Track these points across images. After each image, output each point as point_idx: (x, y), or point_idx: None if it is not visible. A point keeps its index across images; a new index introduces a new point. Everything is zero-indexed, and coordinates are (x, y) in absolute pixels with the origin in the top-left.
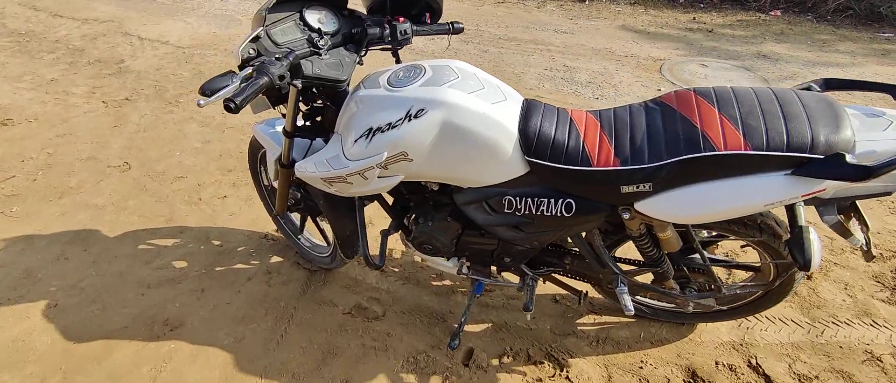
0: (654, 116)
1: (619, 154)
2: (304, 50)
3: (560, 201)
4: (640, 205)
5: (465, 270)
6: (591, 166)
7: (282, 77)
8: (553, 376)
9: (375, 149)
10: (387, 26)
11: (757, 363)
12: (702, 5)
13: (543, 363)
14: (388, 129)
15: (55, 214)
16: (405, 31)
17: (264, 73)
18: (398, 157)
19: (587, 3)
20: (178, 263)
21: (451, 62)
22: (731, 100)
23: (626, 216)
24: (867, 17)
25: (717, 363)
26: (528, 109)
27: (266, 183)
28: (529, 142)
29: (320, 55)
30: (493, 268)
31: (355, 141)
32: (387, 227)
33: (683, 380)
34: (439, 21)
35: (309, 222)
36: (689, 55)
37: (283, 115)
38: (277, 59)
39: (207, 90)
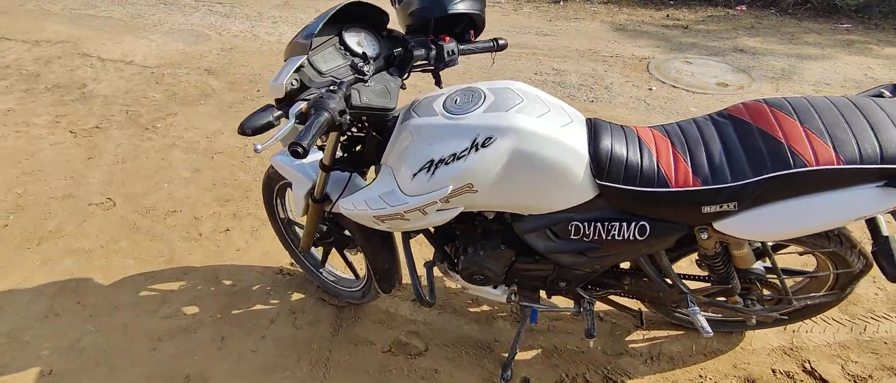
0: (726, 130)
1: (698, 173)
2: (350, 77)
3: (633, 224)
4: (720, 225)
5: (513, 297)
6: (668, 187)
7: (342, 112)
8: None
9: (439, 182)
10: (433, 47)
11: (811, 367)
12: (672, 2)
13: None
14: (452, 161)
15: (36, 263)
16: (452, 51)
17: (324, 109)
18: (463, 190)
19: (562, 3)
20: (188, 309)
21: (510, 84)
22: (810, 112)
23: (703, 235)
24: (824, 9)
25: (773, 370)
26: (596, 130)
27: (283, 216)
28: (602, 165)
29: (365, 82)
30: (542, 293)
31: (414, 175)
32: (430, 259)
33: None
34: (480, 37)
35: (332, 254)
36: (672, 53)
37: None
38: (331, 91)
39: (249, 128)
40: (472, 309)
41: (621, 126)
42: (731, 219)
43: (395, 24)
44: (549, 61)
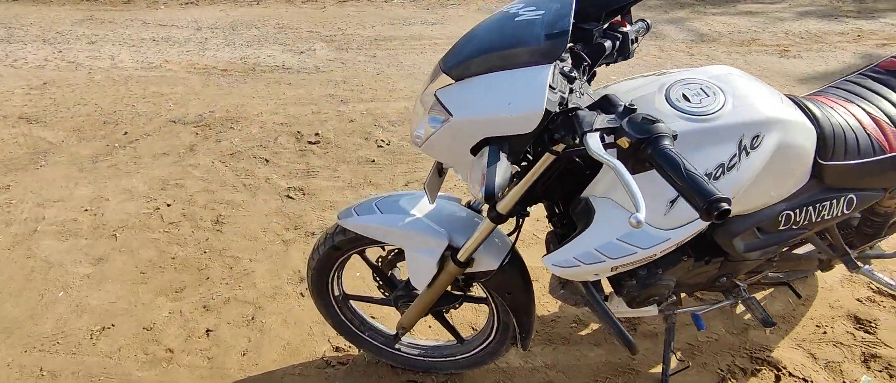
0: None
1: None
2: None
3: (842, 199)
4: None
5: (671, 309)
6: (885, 154)
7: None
8: (780, 379)
9: None
10: (618, 35)
11: (877, 288)
12: None
13: (761, 369)
14: (721, 174)
15: None
16: (636, 37)
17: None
18: None
19: None
20: None
21: (719, 67)
22: None
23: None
24: None
25: (858, 300)
26: (807, 107)
27: (338, 293)
28: (827, 144)
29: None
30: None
31: (673, 202)
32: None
33: (855, 327)
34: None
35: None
36: None
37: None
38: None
39: (498, 189)
40: (581, 334)
41: (810, 98)
42: None
43: None
44: None
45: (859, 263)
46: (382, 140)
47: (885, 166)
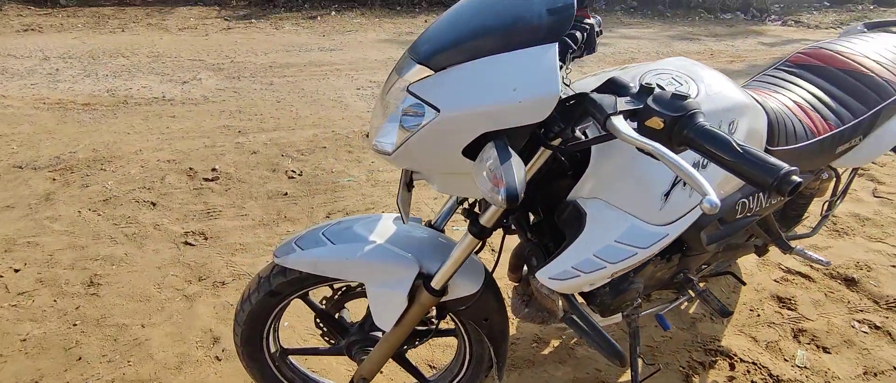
0: (811, 77)
1: (828, 118)
2: None
3: None
4: (845, 159)
5: (633, 314)
6: (815, 137)
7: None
8: (734, 366)
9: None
10: (585, 27)
11: (786, 268)
12: (417, 9)
13: (715, 360)
14: (707, 162)
15: None
16: (599, 30)
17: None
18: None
19: (319, 18)
20: None
21: (677, 59)
22: (866, 48)
23: (824, 176)
24: None
25: (775, 280)
26: (752, 96)
27: (275, 349)
28: (774, 129)
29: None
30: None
31: (667, 194)
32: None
33: (780, 306)
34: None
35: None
36: None
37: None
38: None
39: (520, 187)
40: (544, 353)
41: (743, 86)
42: (854, 151)
43: None
44: (359, 75)
45: (791, 245)
46: (293, 170)
47: (816, 149)
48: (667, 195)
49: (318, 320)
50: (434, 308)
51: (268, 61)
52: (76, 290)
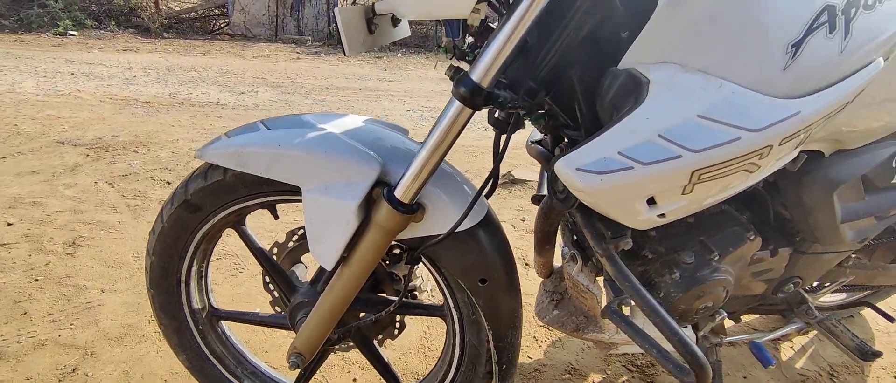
0: None
1: None
2: None
3: None
4: None
5: (716, 337)
6: None
7: None
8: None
9: (866, 48)
10: None
11: None
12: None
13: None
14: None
15: None
16: None
17: None
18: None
19: (385, 58)
20: None
21: None
22: None
23: None
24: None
25: None
26: None
27: (201, 305)
28: None
29: None
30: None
31: (797, 44)
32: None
33: None
34: None
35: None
36: None
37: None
38: None
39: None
40: None
41: None
42: None
43: None
44: (411, 100)
45: None
46: None
47: None
48: (797, 46)
49: (266, 278)
50: (403, 250)
51: (325, 84)
52: (54, 248)
